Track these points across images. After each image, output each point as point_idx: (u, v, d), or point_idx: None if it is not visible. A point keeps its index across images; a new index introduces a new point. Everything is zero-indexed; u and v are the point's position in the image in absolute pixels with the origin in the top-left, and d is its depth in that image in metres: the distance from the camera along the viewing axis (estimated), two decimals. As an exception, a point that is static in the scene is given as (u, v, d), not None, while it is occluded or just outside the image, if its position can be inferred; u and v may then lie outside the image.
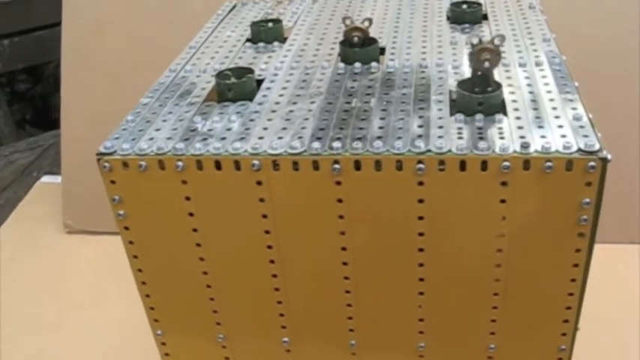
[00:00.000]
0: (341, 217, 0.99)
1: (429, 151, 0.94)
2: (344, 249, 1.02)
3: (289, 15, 1.53)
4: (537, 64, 1.18)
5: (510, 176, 0.93)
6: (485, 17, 1.42)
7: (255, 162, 0.96)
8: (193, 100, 1.15)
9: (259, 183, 0.98)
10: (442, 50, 1.26)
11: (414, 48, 1.28)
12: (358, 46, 1.23)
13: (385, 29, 1.39)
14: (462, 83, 1.06)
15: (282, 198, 0.99)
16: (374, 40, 1.26)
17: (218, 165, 0.98)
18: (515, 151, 0.92)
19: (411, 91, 1.11)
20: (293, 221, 1.01)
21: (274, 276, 1.08)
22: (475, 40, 1.02)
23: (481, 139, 0.96)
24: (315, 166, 0.96)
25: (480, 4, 1.42)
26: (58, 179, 2.39)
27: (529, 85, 1.11)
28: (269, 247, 1.04)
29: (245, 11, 1.58)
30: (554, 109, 1.03)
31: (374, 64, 1.22)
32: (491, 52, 1.01)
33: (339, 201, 0.98)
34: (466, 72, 1.16)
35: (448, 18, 1.43)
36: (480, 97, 1.02)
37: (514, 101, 1.06)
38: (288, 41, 1.38)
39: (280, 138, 1.00)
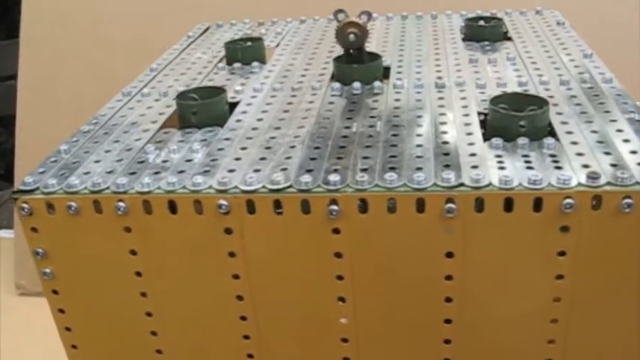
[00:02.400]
0: (340, 278, 0.73)
1: (462, 185, 0.68)
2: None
3: (272, 35, 1.30)
4: (583, 81, 0.94)
5: (574, 218, 0.67)
6: (506, 34, 1.19)
7: (223, 202, 0.70)
8: (148, 127, 0.89)
9: (228, 231, 0.72)
10: (461, 68, 1.02)
11: (426, 67, 1.04)
12: (356, 61, 0.99)
13: (388, 48, 1.15)
14: (496, 100, 0.81)
15: (259, 252, 0.73)
16: (376, 56, 1.02)
17: (173, 206, 0.72)
18: (580, 184, 0.67)
19: (428, 114, 0.86)
20: (274, 285, 0.75)
21: (251, 357, 0.80)
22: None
23: (530, 168, 0.70)
24: (305, 207, 0.70)
25: (500, 19, 1.19)
26: (12, 234, 2.11)
27: (579, 104, 0.87)
28: (242, 318, 0.77)
29: (220, 33, 1.34)
30: (620, 131, 0.78)
31: (377, 83, 0.97)
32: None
33: (338, 256, 0.72)
34: (495, 91, 0.91)
35: (463, 35, 1.19)
36: (522, 116, 0.77)
37: (564, 123, 0.81)
38: (271, 61, 1.14)
39: (257, 170, 0.74)
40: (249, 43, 1.16)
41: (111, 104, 0.99)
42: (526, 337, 0.74)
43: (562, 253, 0.69)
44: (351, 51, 0.99)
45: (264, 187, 0.71)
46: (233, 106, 0.94)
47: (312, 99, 0.94)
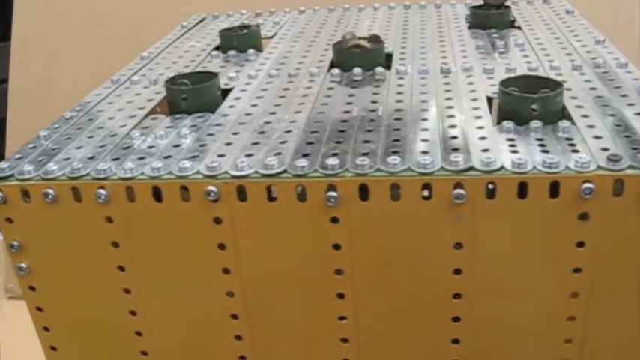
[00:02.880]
0: (338, 272, 0.67)
1: (472, 168, 0.62)
2: (342, 318, 0.70)
3: (269, 25, 1.24)
4: (597, 66, 0.88)
5: (593, 205, 0.61)
6: (513, 23, 1.13)
7: (212, 188, 0.64)
8: (135, 113, 0.84)
9: (217, 221, 0.66)
10: (467, 55, 0.97)
11: (431, 53, 0.99)
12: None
13: (390, 36, 1.10)
14: (506, 83, 0.76)
15: (250, 244, 0.68)
16: (378, 41, 0.97)
17: (157, 193, 0.66)
18: (599, 167, 0.61)
19: (433, 98, 0.80)
20: (268, 280, 0.69)
21: (243, 359, 0.74)
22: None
23: (545, 152, 0.65)
24: (301, 193, 0.64)
25: (507, 7, 1.13)
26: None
27: (593, 88, 0.81)
28: (234, 316, 0.72)
29: (215, 23, 1.29)
30: (639, 114, 0.72)
31: (379, 69, 0.92)
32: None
33: (336, 247, 0.66)
34: (504, 77, 0.85)
35: (469, 24, 1.13)
36: (534, 98, 0.72)
37: (579, 107, 0.75)
38: (267, 49, 1.09)
39: (249, 155, 0.68)
40: (244, 31, 1.10)
41: (97, 91, 0.94)
42: (541, 336, 0.68)
43: (580, 244, 0.64)
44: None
45: (256, 172, 0.65)
46: (226, 93, 0.89)
47: (310, 85, 0.89)
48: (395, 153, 0.66)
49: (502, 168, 0.62)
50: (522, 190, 0.62)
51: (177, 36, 1.21)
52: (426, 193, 0.63)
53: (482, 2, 1.15)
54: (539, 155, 0.64)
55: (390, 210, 0.63)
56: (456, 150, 0.66)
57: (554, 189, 0.61)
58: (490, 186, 0.62)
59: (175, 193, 0.66)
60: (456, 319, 0.68)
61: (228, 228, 0.67)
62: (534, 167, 0.62)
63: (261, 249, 0.68)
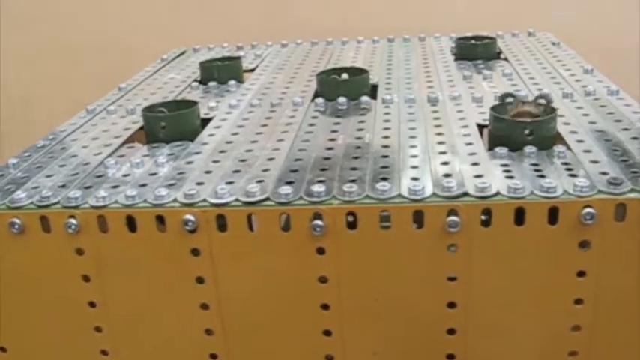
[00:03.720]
0: (325, 306, 0.63)
1: (466, 194, 0.59)
2: (330, 357, 0.65)
3: (251, 57, 1.22)
4: (588, 94, 0.86)
5: (594, 231, 0.58)
6: (499, 54, 1.12)
7: (189, 217, 0.60)
8: (110, 142, 0.80)
9: (195, 252, 0.62)
10: (455, 84, 0.94)
11: (417, 83, 0.96)
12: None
13: (375, 67, 1.07)
14: (497, 108, 0.73)
15: (231, 277, 0.63)
16: (363, 70, 0.94)
17: (132, 223, 0.62)
18: (600, 191, 0.58)
19: (421, 126, 0.77)
20: (249, 316, 0.65)
21: (222, 401, 0.69)
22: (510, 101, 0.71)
23: (542, 177, 0.62)
24: (285, 222, 0.60)
25: (492, 38, 1.12)
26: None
27: (586, 114, 0.79)
28: (212, 356, 0.67)
29: (196, 56, 1.26)
30: (635, 139, 0.70)
31: (365, 98, 0.89)
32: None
33: (322, 280, 0.62)
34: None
35: (454, 55, 1.12)
36: (528, 122, 0.69)
37: (573, 132, 0.73)
38: (249, 80, 1.06)
39: (230, 183, 0.65)
40: (225, 62, 1.07)
41: (72, 121, 0.90)
42: (540, 372, 0.65)
43: (581, 273, 0.60)
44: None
45: (237, 200, 0.61)
46: (206, 123, 0.85)
47: (293, 114, 0.86)
48: (384, 180, 0.62)
49: (498, 193, 0.59)
50: (519, 217, 0.58)
51: (156, 68, 1.18)
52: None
53: (467, 34, 1.13)
54: (536, 180, 0.61)
55: (380, 239, 0.60)
56: (448, 176, 0.62)
57: (553, 215, 0.58)
58: (483, 217, 0.59)
59: (151, 222, 0.62)
60: (451, 356, 0.64)
61: (206, 260, 0.62)
62: (532, 192, 0.58)
63: (242, 282, 0.63)
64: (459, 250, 0.60)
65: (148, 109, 0.82)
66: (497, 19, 1.48)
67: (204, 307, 0.64)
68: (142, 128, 0.84)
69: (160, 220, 0.62)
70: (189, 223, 0.61)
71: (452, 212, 0.58)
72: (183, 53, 1.29)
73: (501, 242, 0.59)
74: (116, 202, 0.63)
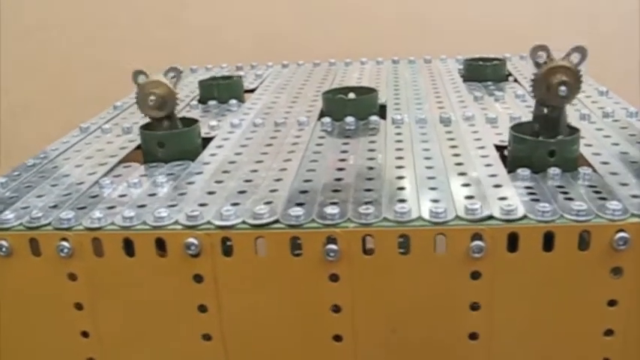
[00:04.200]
0: (338, 338, 0.59)
1: (492, 217, 0.55)
2: (341, 393, 0.60)
3: (251, 78, 1.18)
4: (607, 116, 0.82)
5: (627, 257, 0.54)
6: (508, 77, 1.08)
7: (192, 241, 0.56)
8: (105, 161, 0.76)
9: (198, 279, 0.58)
10: (467, 105, 0.91)
11: (427, 104, 0.93)
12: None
13: (381, 87, 1.04)
14: (517, 127, 0.69)
15: (236, 306, 0.59)
16: (371, 90, 0.90)
17: (129, 246, 0.57)
18: (633, 215, 0.54)
19: (436, 146, 0.74)
20: (256, 348, 0.60)
21: None
22: (542, 57, 0.66)
23: (569, 199, 0.58)
24: (296, 246, 0.56)
25: (502, 60, 1.08)
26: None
27: (607, 136, 0.75)
28: (215, 390, 0.62)
29: (194, 76, 1.22)
30: (666, 162, 0.66)
31: (374, 118, 0.85)
32: (568, 72, 0.65)
33: (336, 310, 0.57)
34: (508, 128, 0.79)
35: (463, 77, 1.08)
36: (552, 142, 0.65)
37: (597, 154, 0.69)
38: (250, 100, 1.02)
39: (235, 204, 0.60)
40: (226, 81, 1.04)
41: (64, 139, 0.86)
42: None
43: (612, 303, 0.56)
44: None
45: (244, 222, 0.57)
46: (207, 142, 0.81)
47: (299, 134, 0.82)
48: (402, 201, 0.58)
49: (525, 217, 0.55)
50: (548, 242, 0.54)
51: (153, 88, 1.14)
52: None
53: (475, 56, 1.10)
54: (565, 203, 0.57)
55: (398, 265, 0.55)
56: (470, 198, 0.58)
57: (586, 239, 0.54)
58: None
59: (150, 246, 0.57)
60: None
61: (210, 287, 0.58)
62: (561, 216, 0.54)
63: (248, 312, 0.59)
64: (483, 278, 0.55)
65: (146, 127, 0.78)
66: (500, 43, 1.45)
67: (207, 338, 0.60)
68: (139, 147, 0.79)
69: (160, 243, 0.57)
70: (192, 247, 0.56)
71: (476, 236, 0.54)
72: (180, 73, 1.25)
73: (528, 269, 0.55)
74: (112, 223, 0.58)
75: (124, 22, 1.73)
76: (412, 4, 1.58)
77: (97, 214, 0.59)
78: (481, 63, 1.07)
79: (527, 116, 0.83)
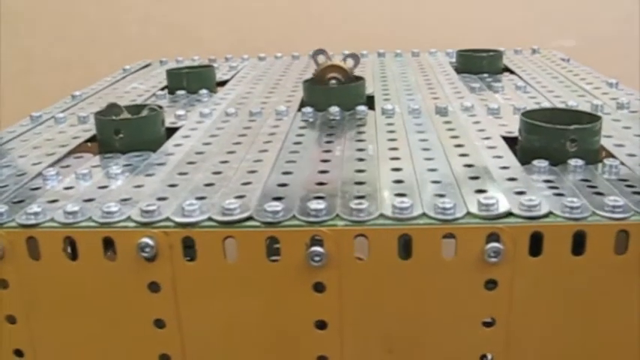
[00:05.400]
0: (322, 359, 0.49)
1: (511, 214, 0.45)
2: None
3: (225, 69, 1.08)
4: (622, 107, 0.74)
5: (674, 266, 0.45)
6: (504, 70, 1.00)
7: (147, 241, 0.46)
8: (54, 151, 0.65)
9: (154, 287, 0.47)
10: (463, 96, 0.82)
11: (419, 94, 0.83)
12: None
13: (367, 79, 0.94)
14: (529, 114, 0.60)
15: (199, 320, 0.48)
16: (357, 78, 0.81)
17: (71, 248, 0.47)
18: (679, 214, 0.45)
19: (434, 136, 0.64)
20: (224, 368, 0.50)
21: None
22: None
23: (598, 194, 0.48)
24: (272, 248, 0.46)
25: (497, 51, 1.00)
26: None
27: (627, 127, 0.66)
28: (174, 421, 0.51)
29: (163, 68, 1.12)
30: (699, 154, 0.57)
31: (361, 108, 0.76)
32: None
33: (321, 325, 0.48)
34: (513, 119, 0.70)
35: (456, 69, 0.99)
36: (571, 130, 0.56)
37: (620, 145, 0.60)
38: (223, 90, 0.92)
39: (201, 198, 0.50)
40: (197, 70, 0.94)
41: (12, 128, 0.75)
42: None
43: (654, 318, 0.47)
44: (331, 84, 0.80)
45: (210, 219, 0.47)
46: (172, 133, 0.71)
47: (278, 124, 0.72)
48: (401, 195, 0.49)
49: (550, 213, 0.45)
50: (578, 243, 0.45)
51: (116, 78, 1.04)
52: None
53: (468, 48, 1.01)
54: (595, 198, 0.47)
55: (398, 272, 0.46)
56: (482, 192, 0.49)
57: (623, 240, 0.45)
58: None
59: (96, 246, 0.47)
60: None
61: (169, 297, 0.48)
62: (593, 213, 0.45)
63: (214, 328, 0.49)
64: (500, 287, 0.46)
65: (102, 113, 0.68)
66: (490, 40, 1.37)
67: (165, 358, 0.49)
68: (94, 138, 0.69)
69: (109, 243, 0.47)
70: (147, 249, 0.46)
71: (492, 236, 0.45)
72: (148, 65, 1.15)
73: (554, 276, 0.46)
74: (52, 219, 0.48)
75: (94, 17, 1.62)
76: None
77: (35, 208, 0.49)
78: (476, 54, 0.98)
79: (532, 107, 0.75)
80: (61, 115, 0.79)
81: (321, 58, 0.82)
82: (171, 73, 0.92)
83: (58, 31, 1.61)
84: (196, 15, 1.53)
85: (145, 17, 1.53)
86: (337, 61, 0.81)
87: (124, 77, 1.04)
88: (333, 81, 0.79)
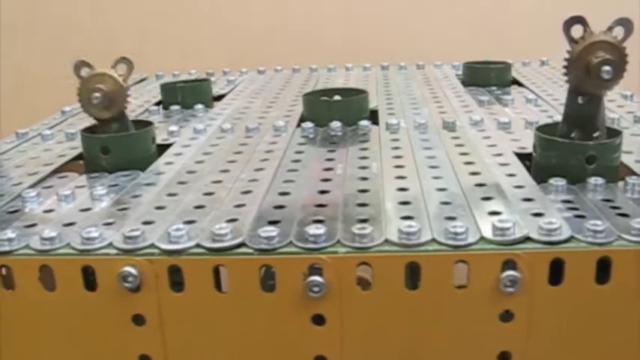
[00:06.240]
0: (321, 397, 0.44)
1: (529, 239, 0.41)
2: None
3: (223, 83, 1.04)
4: (639, 120, 0.70)
5: None
6: (514, 81, 0.96)
7: (130, 270, 0.42)
8: (37, 170, 0.62)
9: (139, 320, 0.43)
10: (472, 109, 0.78)
11: (425, 108, 0.79)
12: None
13: (370, 92, 0.90)
14: (544, 129, 0.56)
15: (190, 356, 0.44)
16: (360, 91, 0.77)
17: (48, 277, 0.43)
18: None
19: (442, 153, 0.60)
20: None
21: None
22: (578, 30, 0.53)
23: (623, 215, 0.44)
24: (268, 279, 0.42)
25: (506, 63, 0.96)
26: None
27: (649, 143, 0.62)
28: None
29: (159, 82, 1.08)
30: None
31: (364, 123, 0.72)
32: (612, 48, 0.52)
33: (319, 362, 0.43)
34: (525, 134, 0.67)
35: (463, 82, 0.95)
36: (591, 145, 0.52)
37: (641, 162, 0.56)
38: (219, 105, 0.88)
39: (190, 222, 0.46)
40: (192, 84, 0.90)
41: (-6, 147, 0.71)
42: None
43: (689, 356, 0.42)
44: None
45: (198, 245, 0.43)
46: (164, 150, 0.67)
47: (275, 140, 0.68)
48: (408, 218, 0.44)
49: (572, 238, 0.41)
50: (603, 270, 0.41)
51: (110, 93, 1.00)
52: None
53: (475, 60, 0.98)
54: (620, 220, 0.43)
55: (405, 303, 0.42)
56: (496, 214, 0.45)
57: None
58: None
59: (75, 276, 0.43)
60: None
61: (154, 331, 0.44)
62: (619, 237, 0.41)
63: (204, 363, 0.44)
64: (517, 318, 0.42)
65: (89, 130, 0.64)
66: (496, 51, 1.33)
67: (150, 398, 0.45)
68: (81, 156, 0.65)
69: (89, 273, 0.43)
70: (130, 278, 0.42)
71: (509, 264, 0.41)
72: (143, 80, 1.12)
73: (576, 307, 0.42)
74: (27, 246, 0.44)
75: (91, 32, 1.59)
76: (398, 9, 1.46)
77: (9, 234, 0.45)
78: (484, 66, 0.94)
79: (544, 121, 0.71)
80: (48, 131, 0.75)
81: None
82: (166, 88, 0.89)
83: (55, 44, 1.58)
84: (195, 29, 1.50)
85: (142, 31, 1.49)
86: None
87: (118, 92, 1.00)
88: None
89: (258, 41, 1.44)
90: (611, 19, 0.52)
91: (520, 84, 0.94)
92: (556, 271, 0.41)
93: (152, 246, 0.43)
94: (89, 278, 0.44)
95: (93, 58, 1.34)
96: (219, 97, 0.94)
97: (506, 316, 0.42)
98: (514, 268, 0.41)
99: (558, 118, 0.71)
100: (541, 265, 0.41)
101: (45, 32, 1.58)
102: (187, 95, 0.87)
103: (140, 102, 0.92)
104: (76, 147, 0.69)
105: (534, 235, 0.41)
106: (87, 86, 0.62)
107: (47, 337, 0.45)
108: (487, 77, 0.93)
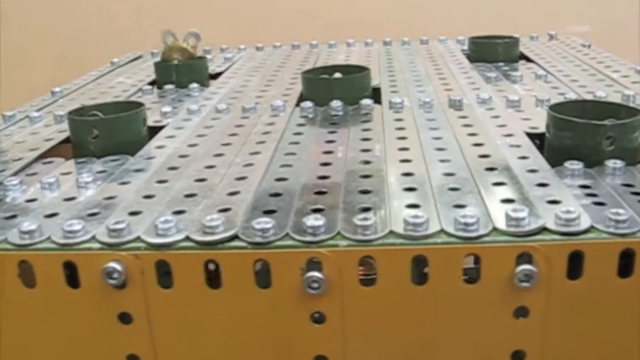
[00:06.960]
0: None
1: (545, 229, 0.38)
2: None
3: (220, 61, 1.01)
4: (658, 98, 0.66)
5: None
6: (522, 57, 0.92)
7: (114, 265, 0.39)
8: (21, 156, 0.58)
9: (126, 318, 0.40)
10: (479, 86, 0.74)
11: (429, 86, 0.76)
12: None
13: (373, 69, 0.86)
14: (557, 108, 0.53)
15: (180, 356, 0.41)
16: (362, 68, 0.74)
17: (28, 273, 0.40)
18: None
19: (450, 133, 0.57)
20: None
21: None
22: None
23: (649, 204, 0.41)
24: (263, 274, 0.39)
25: (514, 37, 0.92)
26: None
27: (668, 122, 0.58)
28: None
29: (154, 60, 1.05)
30: None
31: (366, 101, 0.68)
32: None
33: (320, 360, 0.40)
34: (536, 112, 0.63)
35: (469, 58, 0.92)
36: (609, 126, 0.49)
37: (661, 143, 0.53)
38: (216, 83, 0.85)
39: (179, 212, 0.43)
40: (187, 62, 0.86)
41: (-23, 130, 0.68)
42: None
43: None
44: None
45: (188, 238, 0.40)
46: (156, 132, 0.64)
47: (273, 120, 0.65)
48: (414, 207, 0.41)
49: (592, 228, 0.38)
50: (626, 263, 0.38)
51: (102, 72, 0.96)
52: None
53: (480, 34, 0.94)
54: (641, 208, 0.40)
55: (411, 299, 0.39)
56: (509, 201, 0.42)
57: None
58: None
59: (56, 272, 0.40)
60: None
61: (142, 330, 0.41)
62: (645, 226, 0.38)
63: (196, 364, 0.42)
64: (532, 315, 0.39)
65: (76, 112, 0.60)
66: (501, 25, 1.29)
67: (139, 400, 0.42)
68: (69, 139, 0.62)
69: (71, 269, 0.40)
70: (115, 274, 0.39)
71: (523, 257, 0.38)
72: (139, 57, 1.08)
73: (597, 302, 0.38)
74: (5, 240, 0.41)
75: (86, 10, 1.55)
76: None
77: (-14, 226, 0.42)
78: (491, 41, 0.91)
79: (556, 99, 0.67)
80: (37, 114, 0.72)
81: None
82: (160, 66, 0.85)
83: (49, 24, 1.54)
84: (192, 4, 1.45)
85: (138, 8, 1.45)
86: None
87: (111, 71, 0.97)
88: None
89: (256, 16, 1.39)
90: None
91: (529, 59, 0.91)
92: (575, 265, 0.38)
93: (138, 239, 0.40)
94: (72, 274, 0.41)
95: (88, 35, 1.30)
96: (216, 76, 0.90)
97: (521, 313, 0.39)
98: (529, 262, 0.37)
99: (571, 95, 0.68)
100: (559, 258, 0.37)
101: (38, 11, 1.54)
102: (182, 74, 0.83)
103: (133, 81, 0.89)
104: (64, 130, 0.65)
105: (551, 226, 0.38)
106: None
107: (28, 338, 0.42)
108: (494, 52, 0.89)
